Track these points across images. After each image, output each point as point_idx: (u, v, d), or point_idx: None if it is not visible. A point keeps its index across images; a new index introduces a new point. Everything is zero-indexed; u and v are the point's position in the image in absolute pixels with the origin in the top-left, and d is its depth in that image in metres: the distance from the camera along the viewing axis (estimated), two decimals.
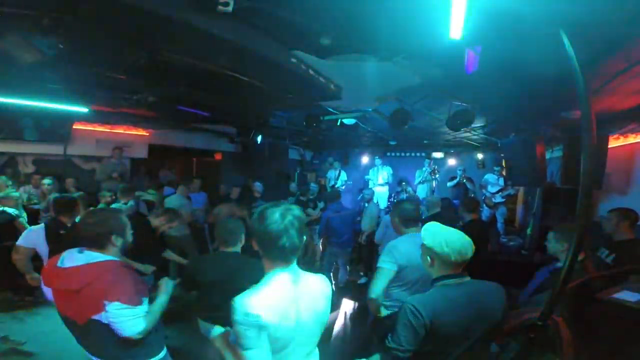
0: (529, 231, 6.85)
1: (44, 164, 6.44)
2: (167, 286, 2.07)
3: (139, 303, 1.76)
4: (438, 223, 1.78)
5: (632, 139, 4.71)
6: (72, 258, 1.78)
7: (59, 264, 1.78)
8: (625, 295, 2.31)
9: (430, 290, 1.69)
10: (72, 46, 2.58)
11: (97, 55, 3.00)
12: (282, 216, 1.33)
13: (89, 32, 2.43)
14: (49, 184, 5.17)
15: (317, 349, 1.57)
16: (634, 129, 4.59)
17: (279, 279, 1.37)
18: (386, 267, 2.40)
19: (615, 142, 4.88)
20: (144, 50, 2.76)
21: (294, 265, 1.42)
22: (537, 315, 2.02)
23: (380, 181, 9.15)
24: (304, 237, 1.40)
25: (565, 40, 1.68)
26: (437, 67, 3.12)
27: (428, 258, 1.72)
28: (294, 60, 3.12)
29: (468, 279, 1.68)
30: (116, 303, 1.67)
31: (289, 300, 1.35)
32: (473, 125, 5.47)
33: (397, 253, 2.40)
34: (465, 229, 3.86)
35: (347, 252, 5.52)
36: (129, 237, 1.98)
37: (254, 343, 1.26)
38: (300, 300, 1.38)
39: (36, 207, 5.31)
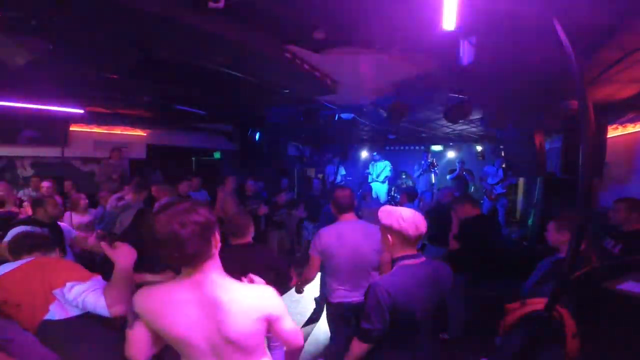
0: (530, 222, 6.85)
1: (42, 166, 6.42)
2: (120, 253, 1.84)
3: (88, 278, 1.73)
4: (390, 206, 1.90)
5: (631, 128, 4.68)
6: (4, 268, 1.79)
7: None
8: (630, 286, 2.31)
9: (394, 270, 1.76)
10: (63, 47, 2.56)
11: (88, 56, 2.98)
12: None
13: (78, 33, 2.41)
14: (48, 187, 5.16)
15: (266, 357, 1.42)
16: (632, 118, 4.56)
17: (182, 282, 1.28)
18: (311, 255, 2.61)
19: (614, 132, 4.85)
20: (136, 49, 2.74)
21: (202, 271, 1.26)
22: (542, 307, 2.02)
23: (379, 175, 9.13)
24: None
25: (559, 29, 1.65)
26: (433, 58, 3.10)
27: (388, 237, 1.77)
28: (288, 55, 3.10)
29: (424, 258, 1.77)
30: (67, 285, 1.67)
31: (177, 303, 1.25)
32: (471, 117, 5.45)
33: (319, 241, 2.57)
34: (472, 223, 3.87)
35: None
36: None
37: (131, 325, 1.31)
38: (204, 308, 1.25)
39: None
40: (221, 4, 2.02)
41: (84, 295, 1.65)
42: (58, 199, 5.08)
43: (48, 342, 1.69)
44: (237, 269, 1.44)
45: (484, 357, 2.94)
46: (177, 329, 1.24)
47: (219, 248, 1.31)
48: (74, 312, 1.73)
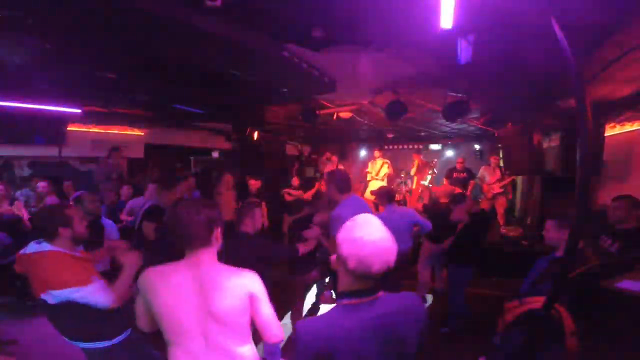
0: (528, 221, 6.85)
1: (40, 166, 6.40)
2: (129, 259, 2.13)
3: (88, 282, 1.92)
4: (372, 216, 1.29)
5: (629, 127, 4.69)
6: (29, 247, 2.00)
7: (21, 252, 2.00)
8: (628, 285, 2.30)
9: (332, 309, 1.27)
10: (59, 46, 2.54)
11: (85, 55, 2.96)
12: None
13: (75, 32, 2.39)
14: (44, 187, 5.14)
15: (249, 345, 1.59)
16: (630, 117, 4.57)
17: (179, 263, 1.52)
18: None
19: (612, 130, 4.86)
20: (133, 48, 2.72)
21: (200, 255, 1.50)
22: (540, 306, 2.02)
23: (379, 174, 9.08)
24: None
25: (557, 28, 1.65)
26: (432, 57, 3.09)
27: (338, 266, 1.28)
28: (286, 53, 3.09)
29: (379, 295, 1.24)
30: (68, 289, 1.86)
31: (172, 282, 1.46)
32: (469, 116, 5.45)
33: None
34: (474, 219, 3.96)
35: None
36: (79, 228, 2.10)
37: (137, 302, 1.57)
38: (195, 286, 1.46)
39: (34, 209, 5.28)
40: (218, 3, 2.01)
41: (87, 298, 1.91)
42: (55, 198, 5.10)
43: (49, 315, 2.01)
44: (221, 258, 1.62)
45: (483, 355, 2.95)
46: (168, 304, 1.44)
47: (219, 243, 1.57)
48: (54, 302, 1.92)
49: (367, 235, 1.18)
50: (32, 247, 1.99)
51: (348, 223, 1.26)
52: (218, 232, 1.55)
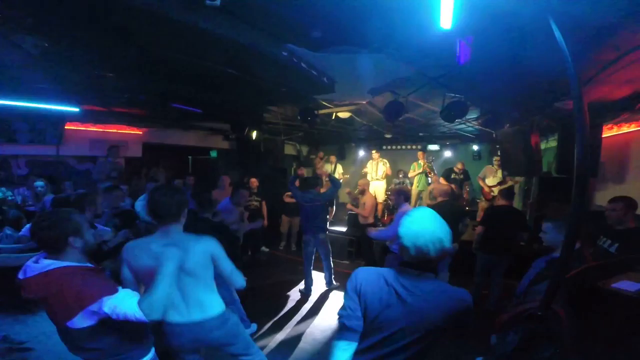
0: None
1: (37, 165, 6.38)
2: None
3: (115, 290, 1.68)
4: (427, 211, 1.59)
5: (626, 128, 4.71)
6: (29, 268, 1.67)
7: (20, 276, 1.68)
8: (625, 285, 2.31)
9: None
10: (58, 45, 2.54)
11: (84, 54, 2.95)
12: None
13: (74, 30, 2.39)
14: (41, 186, 5.12)
15: (213, 294, 2.20)
16: (627, 118, 4.59)
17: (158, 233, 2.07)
18: None
19: (609, 131, 4.88)
20: (132, 48, 2.72)
21: (171, 228, 2.05)
22: (537, 306, 2.03)
23: (377, 174, 9.08)
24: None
25: (555, 29, 1.66)
26: (430, 58, 3.09)
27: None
28: (285, 53, 3.09)
29: (423, 274, 1.53)
30: (101, 300, 1.60)
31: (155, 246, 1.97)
32: (467, 117, 5.46)
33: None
34: (502, 212, 4.46)
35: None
36: (89, 237, 1.81)
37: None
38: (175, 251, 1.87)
39: (31, 209, 5.27)
40: (217, 2, 2.01)
41: (122, 307, 1.62)
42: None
43: (69, 342, 1.76)
44: None
45: (479, 356, 2.95)
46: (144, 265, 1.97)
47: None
48: (92, 323, 1.68)
49: (425, 227, 1.48)
50: (36, 267, 1.65)
51: (411, 218, 1.54)
52: (185, 212, 2.09)
